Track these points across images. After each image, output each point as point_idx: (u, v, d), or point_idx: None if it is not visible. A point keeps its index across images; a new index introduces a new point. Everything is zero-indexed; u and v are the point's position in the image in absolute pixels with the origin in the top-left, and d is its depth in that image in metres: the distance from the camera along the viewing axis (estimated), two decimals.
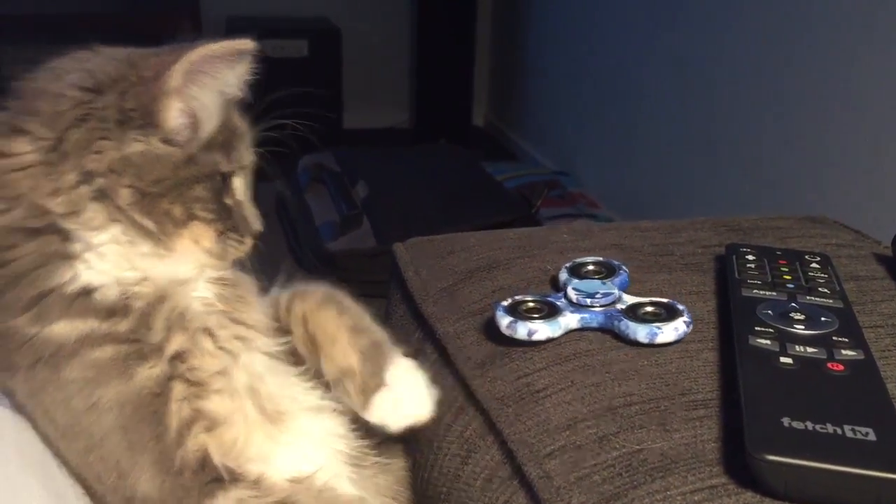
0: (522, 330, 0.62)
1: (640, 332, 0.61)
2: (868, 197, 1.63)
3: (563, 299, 0.65)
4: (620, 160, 2.77)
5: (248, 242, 0.62)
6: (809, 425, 0.47)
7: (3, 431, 0.52)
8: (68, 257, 0.54)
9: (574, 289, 0.65)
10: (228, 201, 0.60)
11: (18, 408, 0.55)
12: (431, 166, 2.60)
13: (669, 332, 0.61)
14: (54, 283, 0.54)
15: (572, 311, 0.64)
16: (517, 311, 0.64)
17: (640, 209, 2.59)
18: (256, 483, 0.55)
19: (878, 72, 1.60)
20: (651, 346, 0.61)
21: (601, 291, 0.65)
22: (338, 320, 0.63)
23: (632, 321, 0.62)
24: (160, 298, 0.56)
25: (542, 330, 0.62)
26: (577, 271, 0.70)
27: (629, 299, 0.65)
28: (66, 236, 0.54)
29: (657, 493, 0.48)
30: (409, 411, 0.61)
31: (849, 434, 0.46)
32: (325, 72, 3.39)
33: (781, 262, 0.70)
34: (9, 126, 0.55)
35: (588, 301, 0.64)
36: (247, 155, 0.61)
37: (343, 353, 0.62)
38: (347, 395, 0.61)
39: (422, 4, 3.61)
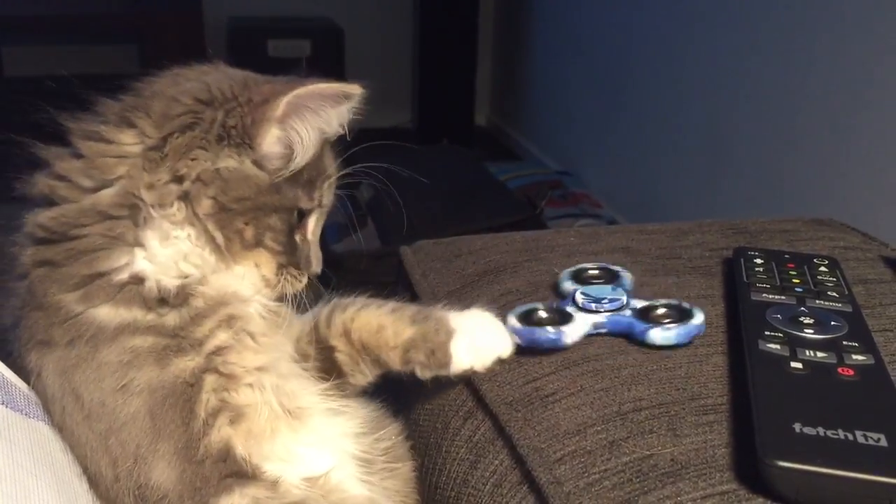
0: (542, 338, 0.62)
1: (657, 335, 0.61)
2: (875, 198, 1.62)
3: (571, 305, 0.65)
4: (623, 160, 2.76)
5: (304, 281, 0.63)
6: (821, 431, 0.47)
7: (15, 437, 0.52)
8: (130, 244, 0.56)
9: (582, 293, 0.65)
10: (298, 238, 0.62)
11: (39, 389, 0.56)
12: (436, 168, 2.60)
13: (683, 332, 0.61)
14: (107, 266, 0.56)
15: (583, 316, 0.64)
16: (531, 321, 0.63)
17: (642, 209, 2.59)
18: (274, 485, 0.55)
19: (885, 73, 1.60)
20: (665, 348, 0.61)
21: (609, 297, 0.65)
22: (377, 312, 0.64)
23: (647, 324, 0.62)
24: (220, 303, 0.58)
25: (562, 336, 0.62)
26: (579, 277, 0.70)
27: (638, 303, 0.65)
28: (138, 223, 0.56)
29: (668, 498, 0.48)
30: (490, 345, 0.63)
31: (860, 440, 0.46)
32: (328, 72, 3.38)
33: (790, 265, 0.70)
34: (120, 117, 0.58)
35: (593, 306, 0.64)
36: (328, 196, 0.64)
37: (395, 332, 0.63)
38: (421, 366, 0.62)
39: (424, 4, 3.60)
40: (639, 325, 0.62)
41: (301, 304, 0.65)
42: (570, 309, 0.65)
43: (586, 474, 0.52)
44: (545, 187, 2.70)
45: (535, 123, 3.59)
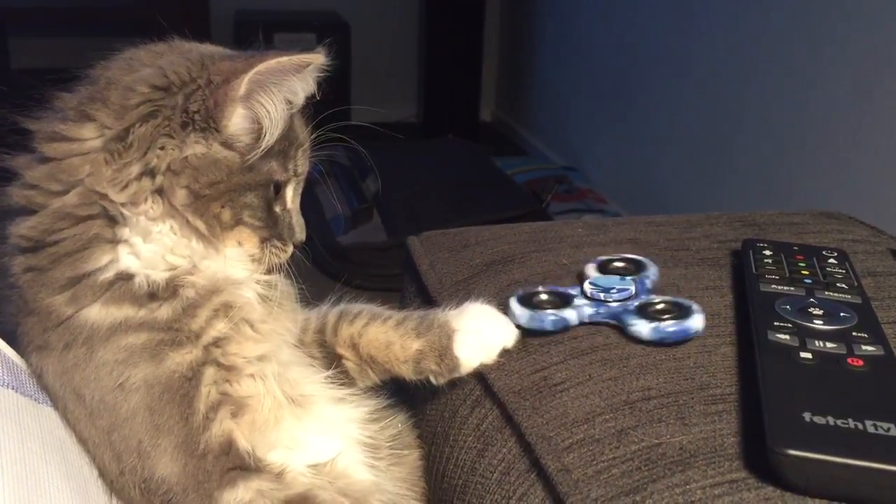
0: (537, 320, 0.63)
1: (644, 329, 0.61)
2: (883, 192, 1.62)
3: (579, 293, 0.66)
4: (628, 156, 2.76)
5: (290, 250, 0.63)
6: (830, 420, 0.46)
7: (25, 421, 0.53)
8: (110, 241, 0.56)
9: (591, 283, 0.65)
10: (277, 209, 0.61)
11: (45, 388, 0.56)
12: (441, 160, 2.60)
13: (677, 329, 0.61)
14: (90, 267, 0.55)
15: (586, 304, 0.64)
16: (531, 304, 0.64)
17: (647, 205, 2.59)
18: (279, 476, 0.55)
19: (893, 66, 1.59)
20: (656, 344, 0.61)
21: (617, 287, 0.65)
22: (384, 327, 0.64)
23: (639, 317, 0.62)
24: (213, 291, 0.57)
25: (555, 320, 0.63)
26: (604, 267, 0.70)
27: (644, 297, 0.65)
28: (113, 221, 0.56)
29: (676, 486, 0.48)
30: (494, 338, 0.63)
31: (870, 429, 0.46)
32: (334, 66, 3.38)
33: (799, 257, 0.69)
34: (77, 111, 0.56)
35: (601, 296, 0.64)
36: (303, 164, 0.62)
37: (403, 346, 0.63)
38: (434, 374, 0.63)
39: None
40: (628, 317, 0.62)
41: (290, 272, 0.64)
42: (572, 291, 0.65)
43: (595, 462, 0.52)
44: (551, 182, 2.70)
45: (540, 119, 3.59)
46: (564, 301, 0.65)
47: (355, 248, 2.14)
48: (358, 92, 3.46)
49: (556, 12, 3.34)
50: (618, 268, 0.70)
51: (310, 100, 0.62)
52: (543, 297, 0.65)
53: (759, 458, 0.48)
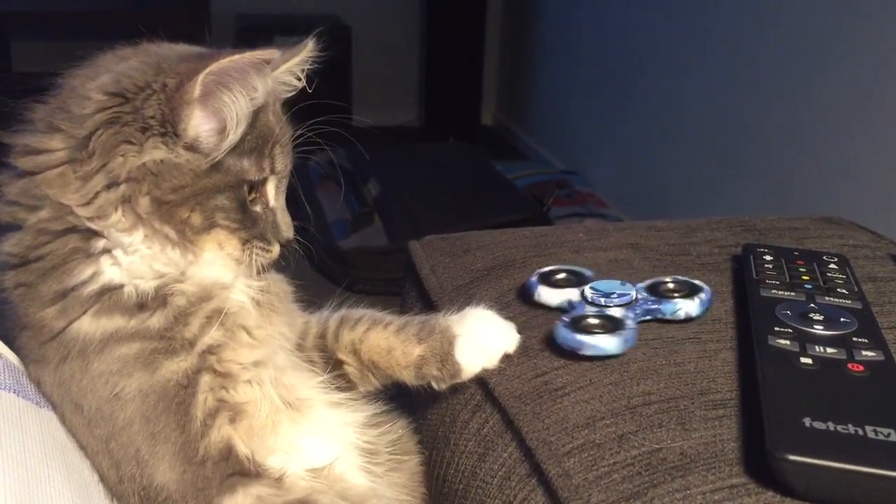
0: (617, 343, 0.60)
1: (693, 306, 0.64)
2: (884, 197, 1.62)
3: (580, 300, 0.65)
4: (629, 160, 2.76)
5: (276, 250, 0.61)
6: (831, 426, 0.47)
7: (26, 424, 0.53)
8: (89, 255, 0.55)
9: (592, 289, 0.66)
10: (257, 208, 0.59)
11: (45, 396, 0.57)
12: (442, 165, 2.60)
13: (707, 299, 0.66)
14: (75, 280, 0.55)
15: (623, 313, 0.63)
16: (581, 328, 0.61)
17: (648, 210, 2.59)
18: (278, 481, 0.55)
19: (894, 73, 1.59)
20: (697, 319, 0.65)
21: (618, 291, 0.65)
22: (385, 333, 0.64)
23: (676, 299, 0.65)
24: (203, 297, 0.57)
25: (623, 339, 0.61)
26: (548, 279, 0.70)
27: (640, 285, 0.66)
28: (89, 233, 0.55)
29: (677, 491, 0.48)
30: (495, 343, 0.63)
31: (870, 435, 0.46)
32: (335, 70, 3.39)
33: (799, 262, 0.69)
34: (46, 122, 0.56)
35: (603, 300, 0.64)
36: (282, 161, 0.61)
37: (404, 352, 0.63)
38: (436, 379, 0.63)
39: (431, 3, 3.60)
40: (668, 304, 0.65)
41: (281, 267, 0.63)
42: (612, 312, 0.63)
43: (595, 467, 0.52)
44: (552, 186, 2.70)
45: (541, 123, 3.59)
46: (613, 323, 0.62)
47: (356, 252, 2.14)
48: (359, 96, 3.46)
49: (556, 17, 3.34)
50: (559, 280, 0.69)
51: (301, 93, 0.61)
52: (593, 320, 0.62)
53: (760, 464, 0.48)
